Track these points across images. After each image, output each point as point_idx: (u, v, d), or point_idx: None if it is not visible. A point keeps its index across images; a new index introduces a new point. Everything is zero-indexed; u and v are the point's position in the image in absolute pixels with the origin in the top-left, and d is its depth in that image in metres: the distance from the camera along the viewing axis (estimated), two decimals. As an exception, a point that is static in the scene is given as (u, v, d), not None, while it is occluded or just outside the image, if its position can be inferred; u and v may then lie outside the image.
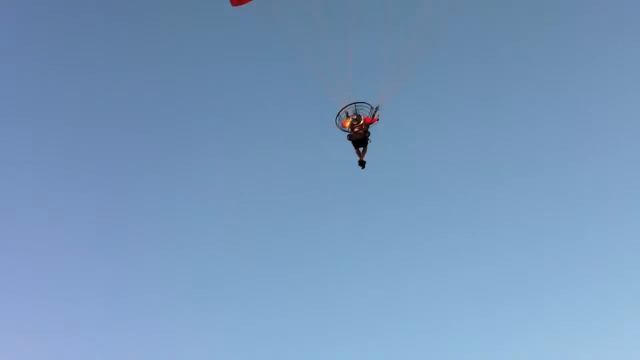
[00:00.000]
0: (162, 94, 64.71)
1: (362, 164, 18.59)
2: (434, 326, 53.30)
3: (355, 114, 18.50)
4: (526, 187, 66.01)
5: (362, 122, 18.36)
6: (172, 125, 63.39)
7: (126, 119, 64.34)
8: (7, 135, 61.71)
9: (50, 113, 63.87)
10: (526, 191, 65.89)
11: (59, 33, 66.74)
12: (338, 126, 18.28)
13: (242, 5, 22.49)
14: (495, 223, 62.73)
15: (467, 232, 62.20)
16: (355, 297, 57.64)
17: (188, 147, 60.13)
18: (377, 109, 18.58)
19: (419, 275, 59.20)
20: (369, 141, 18.51)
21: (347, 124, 18.34)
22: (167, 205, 61.55)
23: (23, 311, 51.38)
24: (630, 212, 62.75)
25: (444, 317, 54.49)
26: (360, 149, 18.57)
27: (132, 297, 55.31)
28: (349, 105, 18.49)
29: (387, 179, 63.25)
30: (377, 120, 18.63)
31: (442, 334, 52.11)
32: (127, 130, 65.06)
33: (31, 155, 61.44)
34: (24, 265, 53.42)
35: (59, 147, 64.57)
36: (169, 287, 55.79)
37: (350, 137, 18.38)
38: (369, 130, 18.35)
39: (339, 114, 18.28)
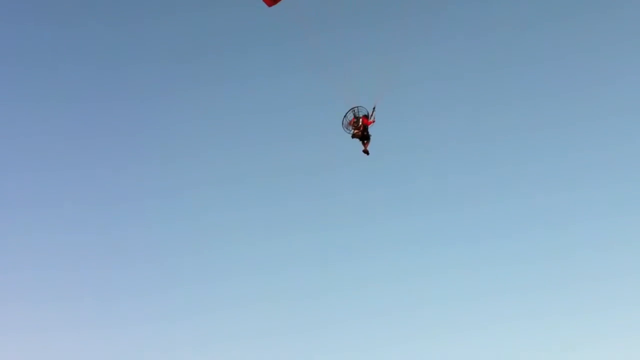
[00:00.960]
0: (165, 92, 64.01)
1: (366, 152, 21.84)
2: (433, 327, 51.42)
3: (355, 117, 21.53)
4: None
5: (360, 124, 21.40)
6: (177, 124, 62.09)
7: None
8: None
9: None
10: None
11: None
12: (344, 128, 21.45)
13: (275, 6, 25.35)
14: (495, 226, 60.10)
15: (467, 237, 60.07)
16: (354, 295, 56.19)
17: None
18: (373, 110, 21.50)
19: (418, 274, 57.89)
20: (370, 135, 21.60)
21: (351, 126, 21.47)
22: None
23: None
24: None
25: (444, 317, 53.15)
26: (365, 141, 21.72)
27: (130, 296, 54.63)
28: (350, 110, 21.52)
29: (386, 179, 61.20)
30: (374, 122, 21.60)
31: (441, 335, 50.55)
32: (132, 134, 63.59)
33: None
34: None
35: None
36: (168, 286, 54.85)
37: (353, 136, 21.55)
38: (368, 129, 21.44)
39: (342, 119, 21.44)
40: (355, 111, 21.50)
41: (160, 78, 60.95)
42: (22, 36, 62.90)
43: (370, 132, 21.54)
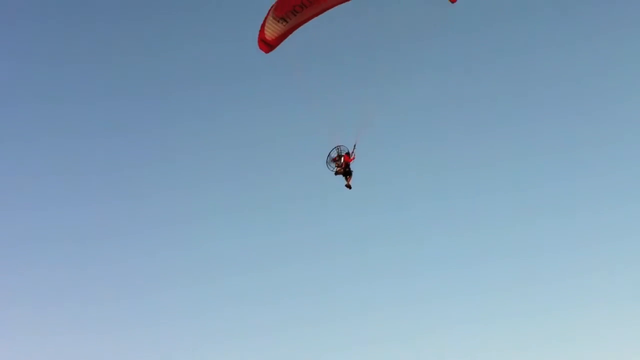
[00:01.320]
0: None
1: (349, 186, 23.81)
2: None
3: (338, 155, 23.53)
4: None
5: (342, 161, 23.40)
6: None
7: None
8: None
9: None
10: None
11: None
12: (327, 166, 23.50)
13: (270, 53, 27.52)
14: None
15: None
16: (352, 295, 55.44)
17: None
18: (354, 148, 23.48)
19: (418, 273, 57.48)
20: (352, 171, 23.57)
21: (334, 163, 23.52)
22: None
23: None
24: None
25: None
26: (347, 177, 23.71)
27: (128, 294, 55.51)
28: (332, 149, 23.58)
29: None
30: (354, 158, 23.56)
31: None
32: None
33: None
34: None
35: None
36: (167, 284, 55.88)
37: (336, 173, 23.55)
38: (350, 166, 23.41)
39: (326, 158, 23.54)
40: (338, 150, 23.54)
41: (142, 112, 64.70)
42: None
43: (352, 168, 23.54)
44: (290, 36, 26.64)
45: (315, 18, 26.64)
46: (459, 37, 61.66)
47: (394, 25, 23.78)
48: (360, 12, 25.29)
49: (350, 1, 25.95)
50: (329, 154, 23.56)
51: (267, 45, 27.04)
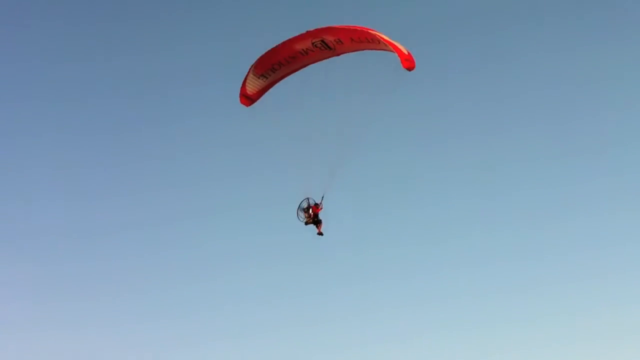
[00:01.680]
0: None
1: (320, 234, 26.03)
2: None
3: (308, 205, 25.77)
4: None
5: (310, 212, 25.67)
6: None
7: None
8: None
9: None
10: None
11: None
12: (298, 218, 25.80)
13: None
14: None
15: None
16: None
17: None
18: (322, 199, 25.74)
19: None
20: (321, 220, 25.83)
21: (304, 214, 25.77)
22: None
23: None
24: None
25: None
26: (317, 225, 25.95)
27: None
28: (303, 200, 25.85)
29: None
30: (321, 209, 25.81)
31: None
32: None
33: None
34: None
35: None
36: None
37: (306, 224, 25.81)
38: (319, 215, 25.67)
39: (297, 210, 25.83)
40: (308, 201, 25.84)
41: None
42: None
43: (320, 217, 25.83)
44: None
45: (292, 75, 29.08)
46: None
47: (361, 86, 26.06)
48: (333, 72, 27.62)
49: (323, 61, 28.35)
50: (300, 204, 25.81)
51: (248, 99, 29.33)
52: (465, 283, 55.47)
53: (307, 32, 26.90)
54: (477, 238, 59.21)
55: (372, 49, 26.63)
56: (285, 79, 29.11)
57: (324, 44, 27.13)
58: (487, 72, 68.59)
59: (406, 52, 25.03)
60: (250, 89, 29.06)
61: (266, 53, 28.25)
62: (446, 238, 59.83)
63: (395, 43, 25.13)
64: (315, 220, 25.56)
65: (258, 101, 29.48)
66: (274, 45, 27.91)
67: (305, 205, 25.56)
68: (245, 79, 28.78)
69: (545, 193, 62.49)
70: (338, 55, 27.50)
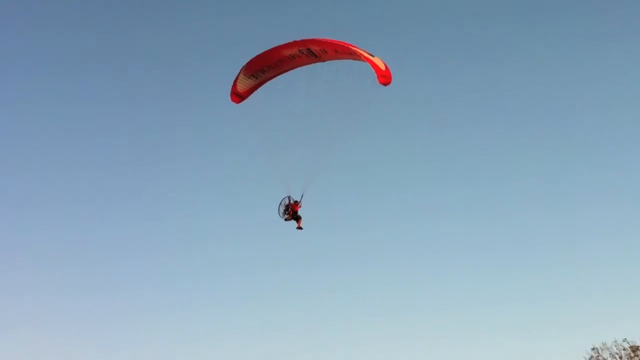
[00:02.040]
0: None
1: (300, 228, 28.66)
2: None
3: (288, 204, 28.35)
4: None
5: (290, 209, 28.26)
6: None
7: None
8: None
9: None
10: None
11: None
12: (279, 215, 28.39)
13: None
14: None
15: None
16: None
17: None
18: (301, 197, 28.33)
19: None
20: (300, 216, 28.44)
21: (284, 211, 28.37)
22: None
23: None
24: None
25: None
26: (297, 220, 28.58)
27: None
28: (284, 198, 28.44)
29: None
30: (300, 207, 28.39)
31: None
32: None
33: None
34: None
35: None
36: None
37: (285, 220, 28.42)
38: (298, 212, 28.26)
39: (278, 207, 28.41)
40: (289, 199, 28.45)
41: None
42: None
43: (300, 214, 28.50)
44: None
45: (280, 77, 31.41)
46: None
47: (343, 95, 28.45)
48: (318, 79, 29.95)
49: (308, 65, 30.62)
50: (281, 202, 28.42)
51: (239, 96, 31.65)
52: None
53: (294, 41, 29.13)
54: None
55: (354, 59, 28.84)
56: (273, 79, 31.39)
57: (310, 52, 29.36)
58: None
59: (383, 68, 27.33)
60: (241, 87, 31.31)
61: (256, 56, 30.45)
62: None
63: (374, 59, 27.40)
64: (295, 217, 28.17)
65: (247, 99, 31.77)
66: (263, 51, 30.17)
67: (286, 202, 28.11)
68: (236, 78, 31.01)
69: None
70: (323, 61, 29.71)
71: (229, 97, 31.54)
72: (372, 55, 27.62)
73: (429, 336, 58.29)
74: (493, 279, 60.82)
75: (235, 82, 31.23)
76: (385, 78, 26.99)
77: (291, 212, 27.95)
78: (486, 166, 69.14)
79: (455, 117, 71.86)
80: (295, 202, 28.38)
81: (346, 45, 27.82)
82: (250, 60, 30.66)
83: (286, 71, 31.04)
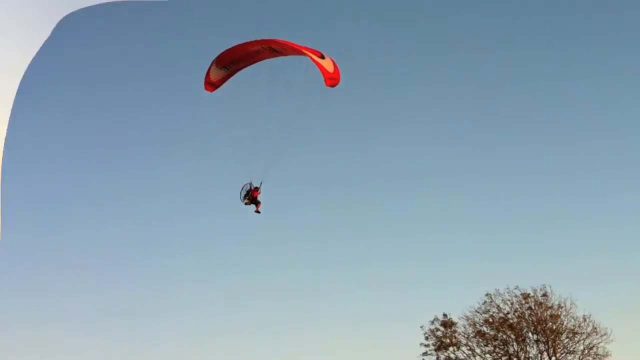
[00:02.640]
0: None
1: (258, 212, 32.10)
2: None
3: (249, 190, 31.74)
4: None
5: (250, 194, 31.68)
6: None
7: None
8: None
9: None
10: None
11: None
12: (240, 199, 31.82)
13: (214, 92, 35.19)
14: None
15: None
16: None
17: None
18: (260, 184, 31.69)
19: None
20: (259, 201, 31.89)
21: (245, 197, 31.82)
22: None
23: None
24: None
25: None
26: (256, 205, 32.08)
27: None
28: (243, 186, 31.83)
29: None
30: (260, 193, 31.77)
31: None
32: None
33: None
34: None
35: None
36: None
37: (245, 204, 31.88)
38: (258, 197, 31.69)
39: (240, 192, 31.84)
40: (250, 186, 31.92)
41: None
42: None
43: (259, 199, 32.03)
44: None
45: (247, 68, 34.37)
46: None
47: (299, 91, 31.38)
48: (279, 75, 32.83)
49: (274, 58, 33.48)
50: (242, 187, 31.90)
51: (212, 85, 34.79)
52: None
53: (257, 40, 31.99)
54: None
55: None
56: (242, 70, 34.40)
57: (271, 48, 32.24)
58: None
59: (331, 71, 30.07)
60: (214, 77, 34.39)
61: (225, 50, 33.41)
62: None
63: (324, 62, 30.14)
64: (255, 201, 31.71)
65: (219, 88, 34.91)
66: (230, 46, 33.11)
67: (247, 188, 31.59)
68: (209, 69, 34.07)
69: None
70: (284, 55, 32.59)
71: (203, 87, 34.66)
72: (323, 57, 30.28)
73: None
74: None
75: (208, 73, 34.25)
76: (332, 80, 29.70)
77: (250, 197, 31.42)
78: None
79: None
80: (256, 188, 31.79)
81: (299, 48, 30.51)
82: (221, 54, 33.59)
83: (253, 63, 33.99)
